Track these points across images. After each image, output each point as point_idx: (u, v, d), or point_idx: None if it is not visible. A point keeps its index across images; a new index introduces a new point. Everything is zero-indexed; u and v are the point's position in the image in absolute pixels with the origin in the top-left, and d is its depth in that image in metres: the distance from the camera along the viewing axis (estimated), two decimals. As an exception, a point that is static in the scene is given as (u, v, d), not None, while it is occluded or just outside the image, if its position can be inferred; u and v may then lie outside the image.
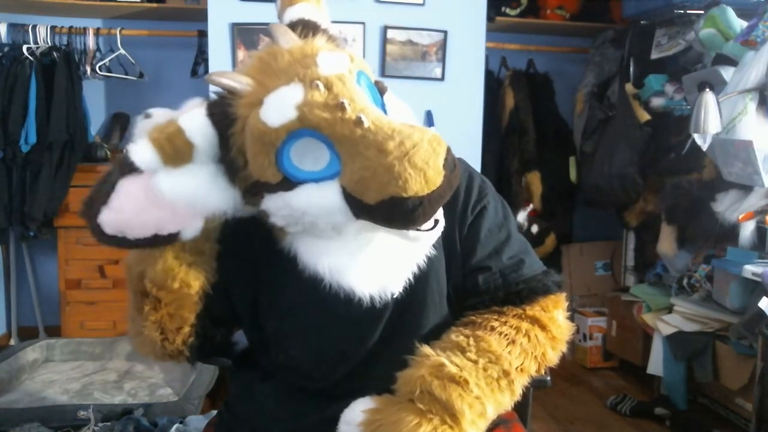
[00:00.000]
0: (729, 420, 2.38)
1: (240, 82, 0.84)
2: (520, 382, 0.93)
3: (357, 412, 0.89)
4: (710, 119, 2.01)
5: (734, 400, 2.31)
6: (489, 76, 3.17)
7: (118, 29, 2.99)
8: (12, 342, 3.11)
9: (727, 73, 2.27)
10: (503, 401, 0.91)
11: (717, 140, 2.23)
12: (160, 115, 0.90)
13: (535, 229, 3.10)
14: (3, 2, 2.92)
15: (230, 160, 0.86)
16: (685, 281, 2.55)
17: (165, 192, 0.83)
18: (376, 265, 0.90)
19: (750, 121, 2.14)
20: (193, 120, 0.84)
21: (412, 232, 0.84)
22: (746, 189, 2.26)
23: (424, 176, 0.75)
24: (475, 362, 0.89)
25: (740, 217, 2.21)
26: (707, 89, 2.02)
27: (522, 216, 3.09)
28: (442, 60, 2.76)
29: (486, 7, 2.81)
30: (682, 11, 2.71)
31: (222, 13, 2.59)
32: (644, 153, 2.84)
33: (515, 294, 0.97)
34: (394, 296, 0.92)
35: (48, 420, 1.99)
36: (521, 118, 3.16)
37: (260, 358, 1.08)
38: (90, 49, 2.99)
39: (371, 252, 0.90)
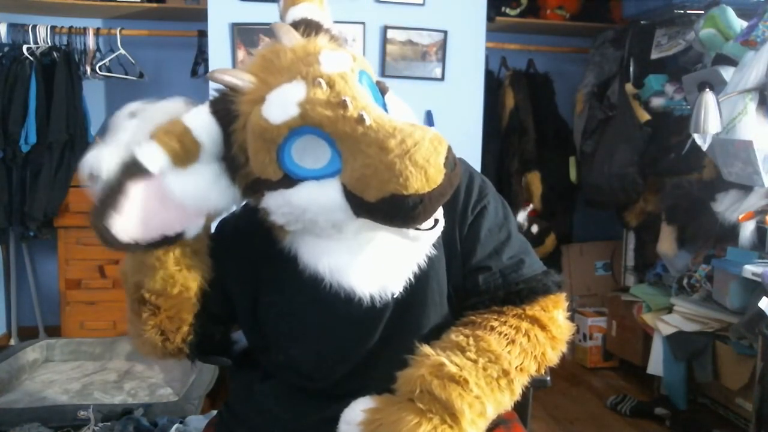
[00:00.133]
0: (729, 420, 2.38)
1: (242, 80, 0.85)
2: (520, 382, 0.93)
3: (357, 411, 0.89)
4: (710, 119, 2.01)
5: (734, 400, 2.31)
6: (489, 76, 3.17)
7: (118, 29, 2.99)
8: (12, 342, 3.11)
9: (727, 73, 2.27)
10: (503, 401, 0.91)
11: (717, 140, 2.23)
12: (141, 110, 0.89)
13: (535, 229, 3.10)
14: (3, 2, 2.91)
15: (231, 157, 0.86)
16: (685, 281, 2.55)
17: (176, 193, 0.84)
18: (377, 264, 0.90)
19: (750, 121, 2.14)
20: (199, 118, 0.85)
21: (412, 232, 0.84)
22: (746, 189, 2.26)
23: (425, 174, 0.75)
24: (475, 362, 0.89)
25: (740, 217, 2.21)
26: (707, 89, 2.02)
27: (522, 216, 3.09)
28: (442, 60, 2.76)
29: (486, 7, 2.81)
30: (682, 11, 2.71)
31: (222, 13, 2.59)
32: (644, 153, 2.84)
33: (515, 294, 0.97)
34: (395, 296, 0.92)
35: (48, 420, 1.99)
36: (521, 118, 3.15)
37: (260, 358, 1.08)
38: (90, 49, 2.99)
39: (371, 252, 0.90)
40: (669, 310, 2.55)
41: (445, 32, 2.74)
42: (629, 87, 2.92)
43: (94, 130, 3.15)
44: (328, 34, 0.92)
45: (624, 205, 3.01)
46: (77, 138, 2.86)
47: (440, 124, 2.69)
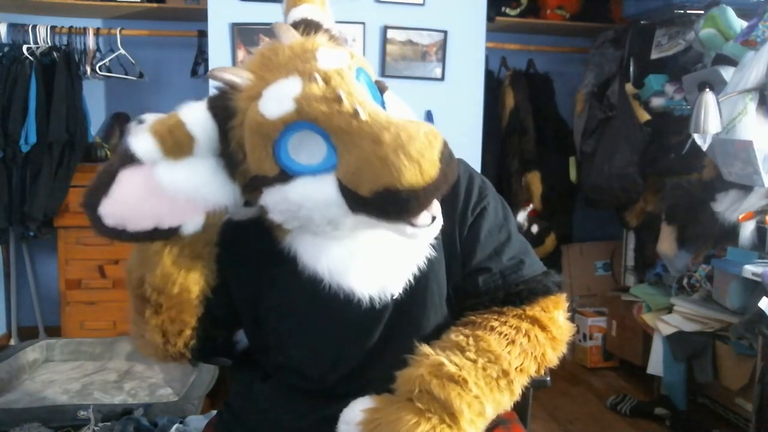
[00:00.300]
0: (729, 420, 2.38)
1: (241, 77, 0.85)
2: (520, 382, 0.93)
3: (356, 411, 0.89)
4: (710, 119, 2.01)
5: (734, 400, 2.31)
6: (489, 76, 3.17)
7: (118, 29, 2.99)
8: (12, 342, 3.11)
9: (727, 73, 2.27)
10: (502, 401, 0.91)
11: (717, 140, 2.23)
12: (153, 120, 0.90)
13: (535, 229, 3.10)
14: (3, 2, 2.91)
15: (230, 153, 0.86)
16: (685, 281, 2.55)
17: (165, 183, 0.84)
18: (376, 266, 0.90)
19: (750, 121, 2.14)
20: (194, 113, 0.85)
21: (409, 229, 0.83)
22: (746, 189, 2.26)
23: (419, 167, 0.75)
24: (475, 362, 0.89)
25: (740, 217, 2.21)
26: (707, 89, 2.02)
27: (522, 216, 3.09)
28: (442, 60, 2.76)
29: (486, 7, 2.81)
30: (682, 11, 2.71)
31: (222, 13, 2.59)
32: (644, 153, 2.84)
33: (515, 295, 0.97)
34: (394, 297, 0.92)
35: (48, 420, 1.99)
36: (521, 118, 3.15)
37: (260, 359, 1.08)
38: (90, 49, 2.98)
39: (371, 253, 0.90)
40: (669, 310, 2.55)
41: (445, 32, 2.74)
42: (629, 87, 2.92)
43: (94, 130, 3.15)
44: (327, 34, 0.93)
45: (624, 205, 3.01)
46: (77, 138, 2.86)
47: (440, 124, 2.69)
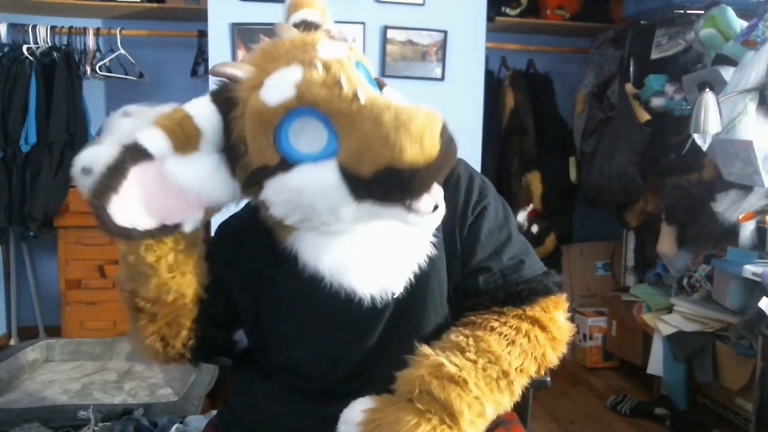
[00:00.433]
0: (729, 420, 2.38)
1: (242, 70, 0.86)
2: (520, 383, 0.92)
3: (356, 411, 0.89)
4: (710, 119, 2.01)
5: (734, 400, 2.31)
6: (489, 76, 3.17)
7: (118, 29, 2.99)
8: (12, 342, 3.11)
9: (727, 73, 2.27)
10: (502, 401, 0.91)
11: (717, 140, 2.23)
12: (137, 112, 0.90)
13: (535, 229, 3.10)
14: (3, 2, 2.91)
15: (231, 146, 0.86)
16: (685, 281, 2.55)
17: (177, 177, 0.83)
18: (377, 264, 0.90)
19: (750, 121, 2.14)
20: (200, 106, 0.86)
21: (411, 216, 0.82)
22: (746, 189, 2.25)
23: (420, 145, 0.74)
24: (475, 362, 0.89)
25: (740, 217, 2.20)
26: (707, 89, 2.02)
27: (522, 216, 3.09)
28: (442, 60, 2.76)
29: (486, 7, 2.80)
30: (682, 11, 2.71)
31: (222, 13, 2.59)
32: (644, 153, 2.84)
33: (515, 295, 0.97)
34: (395, 296, 0.92)
35: (48, 420, 1.99)
36: (521, 118, 3.15)
37: (260, 359, 1.08)
38: (90, 49, 2.98)
39: (372, 251, 0.90)
40: (669, 310, 2.55)
41: (445, 32, 2.74)
42: (629, 87, 2.92)
43: (94, 130, 3.15)
44: (327, 33, 0.94)
45: (624, 205, 3.00)
46: (77, 138, 2.86)
47: (440, 124, 2.69)
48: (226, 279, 1.01)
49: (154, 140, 0.82)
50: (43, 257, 3.23)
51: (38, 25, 2.92)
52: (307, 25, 0.96)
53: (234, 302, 1.03)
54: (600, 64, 3.15)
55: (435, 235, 0.95)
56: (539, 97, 3.22)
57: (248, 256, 1.00)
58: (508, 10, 3.26)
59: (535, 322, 0.95)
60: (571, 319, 1.01)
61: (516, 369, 0.91)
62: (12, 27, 2.92)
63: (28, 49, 2.84)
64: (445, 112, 0.78)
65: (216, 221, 1.08)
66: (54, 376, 2.52)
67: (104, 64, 2.99)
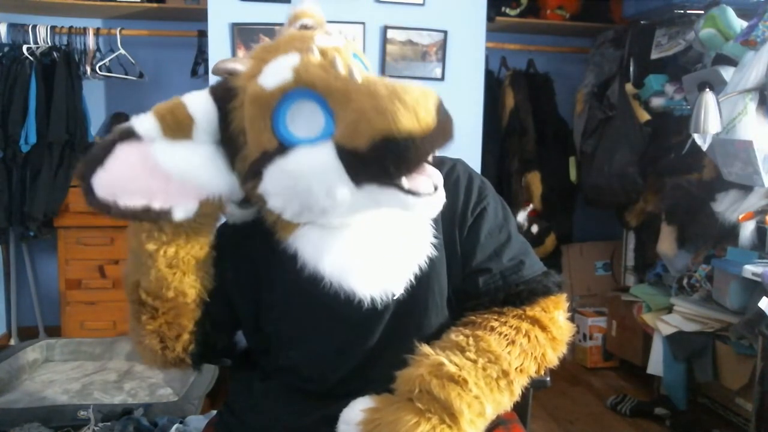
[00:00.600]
0: (729, 420, 2.38)
1: (243, 63, 0.88)
2: (520, 383, 0.92)
3: (356, 411, 0.89)
4: (710, 119, 2.01)
5: (734, 400, 2.31)
6: (489, 76, 3.17)
7: (118, 29, 2.99)
8: (12, 342, 3.11)
9: (727, 73, 2.27)
10: (502, 401, 0.91)
11: (717, 140, 2.23)
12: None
13: (535, 229, 3.10)
14: (3, 2, 2.91)
15: (229, 137, 0.87)
16: (685, 281, 2.55)
17: (160, 161, 0.85)
18: (378, 265, 0.90)
19: (750, 121, 2.14)
20: (195, 96, 0.88)
21: (411, 198, 0.81)
22: (746, 189, 2.26)
23: (416, 114, 0.75)
24: (475, 362, 0.89)
25: (740, 217, 2.20)
26: (707, 89, 2.02)
27: (522, 216, 3.09)
28: (442, 60, 2.76)
29: (486, 7, 2.80)
30: (682, 11, 2.71)
31: (222, 13, 2.59)
32: (644, 153, 2.84)
33: (515, 295, 0.97)
34: (395, 297, 0.92)
35: (48, 420, 1.99)
36: (521, 118, 3.15)
37: (260, 360, 1.08)
38: (90, 49, 2.99)
39: (373, 252, 0.90)
40: (669, 310, 2.55)
41: (445, 32, 2.74)
42: (629, 87, 2.92)
43: (94, 130, 3.15)
44: (325, 31, 0.96)
45: (624, 205, 3.01)
46: (77, 138, 2.86)
47: (440, 124, 2.69)
48: (226, 280, 1.01)
49: (143, 122, 0.85)
50: (43, 257, 3.23)
51: (38, 25, 2.92)
52: (305, 27, 0.98)
53: (234, 304, 1.03)
54: (600, 64, 3.15)
55: (435, 236, 0.95)
56: (539, 97, 3.22)
57: (248, 258, 1.00)
58: (508, 10, 3.26)
59: (535, 322, 0.95)
60: (571, 319, 1.02)
61: (516, 369, 0.91)
62: (12, 27, 2.92)
63: (28, 49, 2.84)
64: (445, 112, 0.79)
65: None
66: (54, 376, 2.52)
67: (104, 64, 2.99)
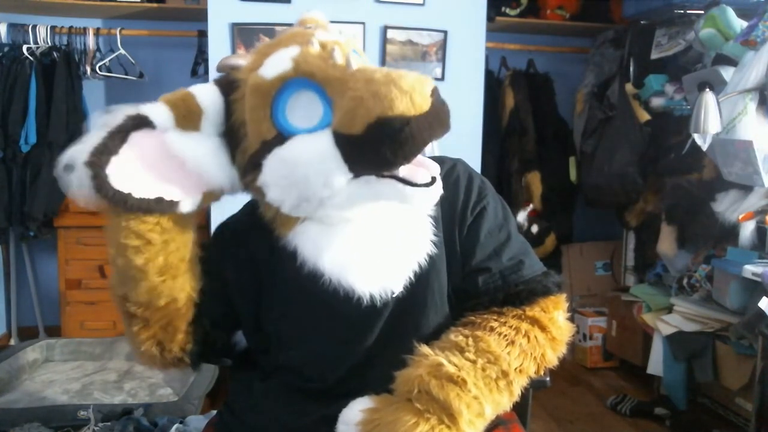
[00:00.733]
0: (729, 420, 2.38)
1: (245, 59, 0.90)
2: (519, 383, 0.92)
3: (355, 411, 0.89)
4: (710, 119, 2.01)
5: (734, 400, 2.31)
6: (489, 76, 3.17)
7: (118, 29, 2.99)
8: (12, 342, 3.11)
9: (727, 73, 2.27)
10: (502, 402, 0.91)
11: (717, 140, 2.23)
12: (122, 111, 0.90)
13: (535, 229, 3.10)
14: (3, 2, 2.91)
15: (231, 129, 0.88)
16: (685, 281, 2.55)
17: (177, 148, 0.85)
18: (377, 263, 0.90)
19: (750, 121, 2.14)
20: (203, 87, 0.89)
21: (408, 189, 0.82)
22: (746, 189, 2.26)
23: (411, 98, 0.76)
24: (474, 362, 0.89)
25: (740, 217, 2.21)
26: (707, 89, 2.02)
27: (522, 216, 3.09)
28: (442, 60, 2.76)
29: (486, 7, 2.80)
30: (682, 11, 2.71)
31: (222, 13, 2.59)
32: (644, 153, 2.84)
33: (515, 295, 0.96)
34: (395, 295, 0.92)
35: (48, 420, 1.99)
36: (521, 118, 3.15)
37: (260, 359, 1.08)
38: (90, 49, 2.99)
39: (372, 250, 0.90)
40: (669, 310, 2.55)
41: (445, 32, 2.74)
42: (629, 87, 2.92)
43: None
44: (326, 29, 0.96)
45: (624, 205, 3.00)
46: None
47: (440, 124, 2.69)
48: (225, 280, 1.00)
49: (157, 111, 0.86)
50: (43, 257, 3.23)
51: (38, 25, 2.92)
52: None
53: (233, 303, 1.03)
54: (600, 64, 3.15)
55: (435, 234, 0.95)
56: (539, 97, 3.22)
57: (247, 257, 1.00)
58: (508, 10, 3.26)
59: (534, 322, 0.95)
60: (571, 319, 1.01)
61: (515, 369, 0.91)
62: (12, 27, 2.92)
63: (28, 49, 2.84)
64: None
65: (215, 223, 1.08)
66: (54, 376, 2.52)
67: (104, 64, 2.99)
